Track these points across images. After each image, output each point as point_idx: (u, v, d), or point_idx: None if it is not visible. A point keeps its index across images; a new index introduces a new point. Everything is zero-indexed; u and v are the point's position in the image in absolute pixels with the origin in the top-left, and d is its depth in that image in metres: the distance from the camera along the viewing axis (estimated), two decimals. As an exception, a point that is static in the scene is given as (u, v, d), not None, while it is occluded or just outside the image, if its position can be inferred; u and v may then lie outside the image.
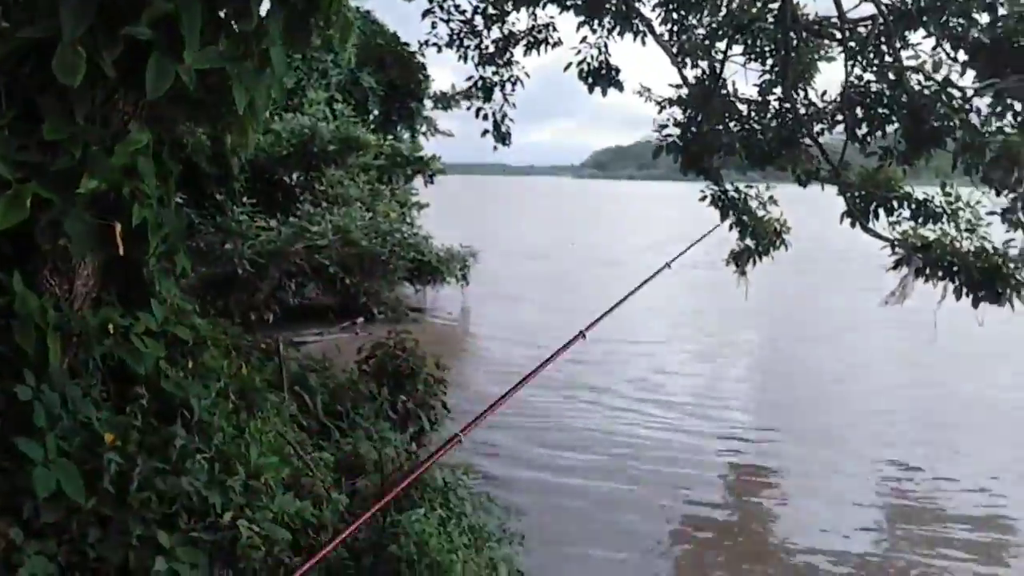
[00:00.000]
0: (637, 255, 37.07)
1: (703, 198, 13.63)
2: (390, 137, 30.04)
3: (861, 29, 12.19)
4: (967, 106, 11.40)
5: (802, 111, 13.02)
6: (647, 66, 16.87)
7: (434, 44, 15.49)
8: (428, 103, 31.82)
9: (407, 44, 30.91)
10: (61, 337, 5.07)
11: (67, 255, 5.23)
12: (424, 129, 33.43)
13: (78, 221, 4.92)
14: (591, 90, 14.35)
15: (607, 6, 13.83)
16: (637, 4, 13.73)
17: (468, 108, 16.20)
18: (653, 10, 13.86)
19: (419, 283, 24.36)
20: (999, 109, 11.13)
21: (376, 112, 32.72)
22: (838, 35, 12.39)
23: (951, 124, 11.29)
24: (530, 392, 15.31)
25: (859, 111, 12.46)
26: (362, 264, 21.11)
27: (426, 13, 15.20)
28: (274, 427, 6.74)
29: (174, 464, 5.35)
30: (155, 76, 4.84)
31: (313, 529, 5.77)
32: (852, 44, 12.16)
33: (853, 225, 12.32)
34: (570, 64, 14.30)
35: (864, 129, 12.46)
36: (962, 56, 11.35)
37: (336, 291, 21.32)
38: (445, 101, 18.45)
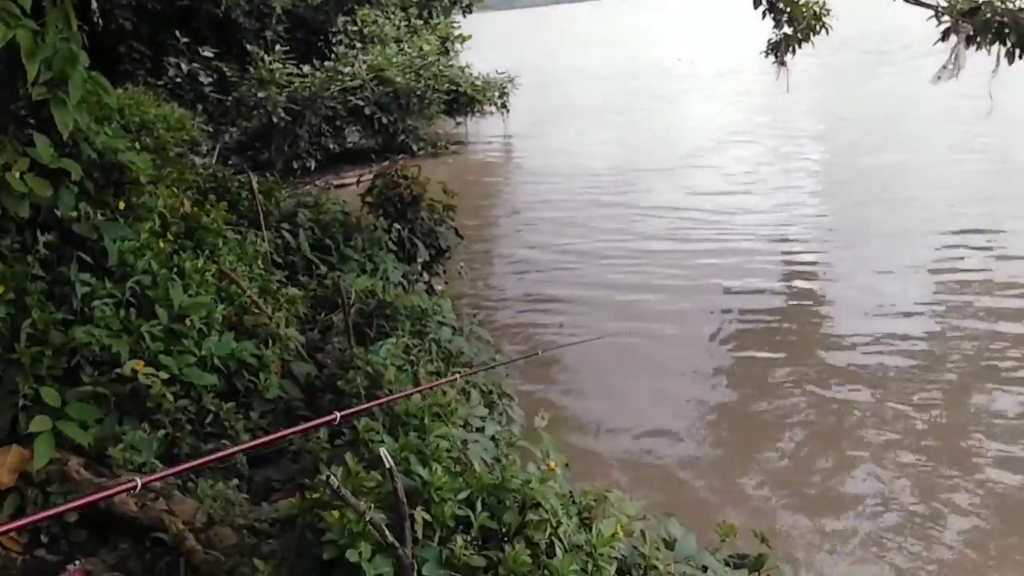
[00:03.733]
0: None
1: (732, -15, 12.25)
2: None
3: None
4: None
5: None
6: None
7: None
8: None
9: None
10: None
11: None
12: (463, -42, 31.63)
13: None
14: None
15: None
16: None
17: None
18: None
19: (458, 115, 23.48)
20: None
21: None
22: None
23: None
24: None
25: None
26: (398, 101, 20.31)
27: None
28: (223, 266, 6.09)
29: (78, 313, 4.76)
30: None
31: (250, 370, 5.16)
32: None
33: (893, -3, 10.90)
34: None
35: None
36: None
37: (375, 132, 20.61)
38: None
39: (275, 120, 18.47)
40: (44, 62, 4.60)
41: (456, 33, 29.04)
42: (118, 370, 4.54)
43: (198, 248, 6.26)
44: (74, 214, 5.19)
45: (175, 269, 5.53)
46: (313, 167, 19.09)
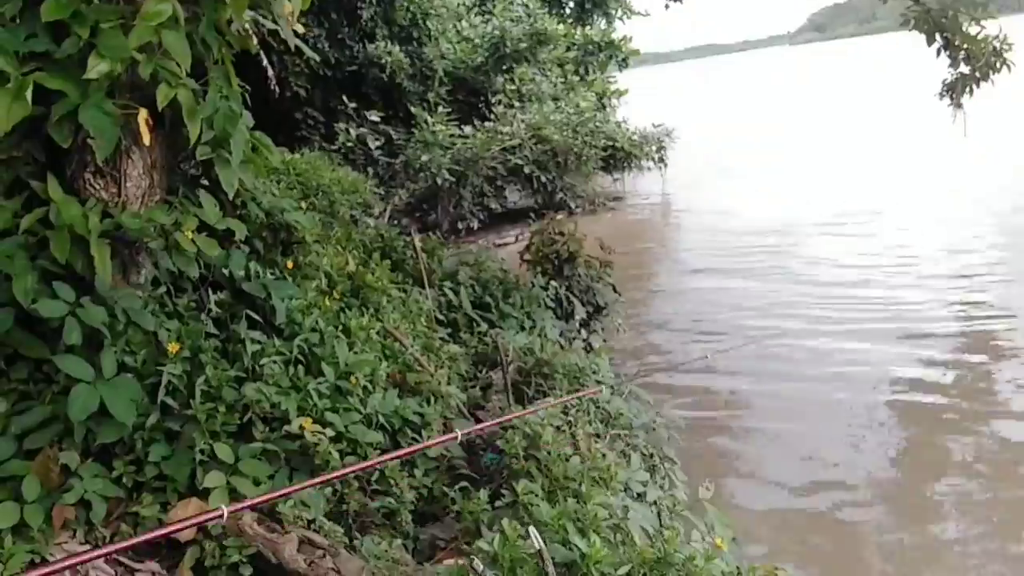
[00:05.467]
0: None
1: (904, 22, 11.63)
2: (587, 28, 29.09)
3: None
4: None
5: None
6: None
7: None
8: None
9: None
10: (111, 245, 4.66)
11: (114, 155, 4.79)
12: (619, 13, 31.88)
13: (95, 111, 4.41)
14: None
15: None
16: None
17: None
18: None
19: (615, 171, 23.50)
20: None
21: (571, 4, 31.69)
22: None
23: None
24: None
25: None
26: (556, 159, 20.49)
27: None
28: (387, 324, 6.22)
29: (249, 371, 4.92)
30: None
31: (413, 428, 5.21)
32: None
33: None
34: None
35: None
36: None
37: (535, 190, 20.82)
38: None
39: (440, 182, 18.87)
40: (206, 120, 4.80)
41: (612, 88, 29.20)
42: (287, 427, 4.66)
43: (363, 306, 6.43)
44: (243, 273, 5.41)
45: (341, 327, 5.68)
46: (476, 227, 19.40)
